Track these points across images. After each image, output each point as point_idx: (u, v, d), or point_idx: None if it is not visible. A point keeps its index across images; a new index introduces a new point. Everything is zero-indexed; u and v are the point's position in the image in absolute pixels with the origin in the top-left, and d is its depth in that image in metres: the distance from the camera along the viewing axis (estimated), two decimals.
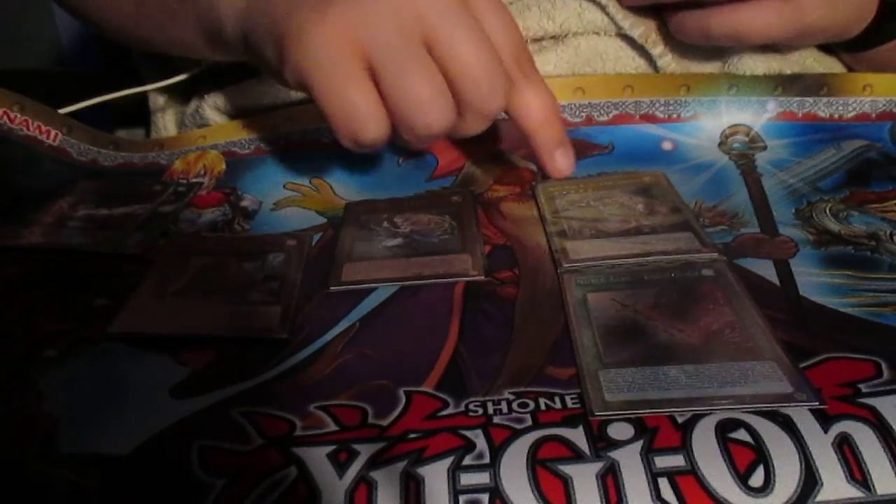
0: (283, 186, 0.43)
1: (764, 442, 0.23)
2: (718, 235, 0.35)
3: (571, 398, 0.26)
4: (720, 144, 0.42)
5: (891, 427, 0.23)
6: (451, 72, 0.31)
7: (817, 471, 0.22)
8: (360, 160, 0.43)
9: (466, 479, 0.23)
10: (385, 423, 0.25)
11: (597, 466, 0.23)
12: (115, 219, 0.40)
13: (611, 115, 0.43)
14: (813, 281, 0.31)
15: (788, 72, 0.43)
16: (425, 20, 0.31)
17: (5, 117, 0.45)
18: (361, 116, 0.31)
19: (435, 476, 0.23)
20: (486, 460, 0.23)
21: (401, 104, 0.31)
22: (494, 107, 0.32)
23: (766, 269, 0.32)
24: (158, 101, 0.54)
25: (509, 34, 0.33)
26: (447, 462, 0.23)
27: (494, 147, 0.43)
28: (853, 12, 0.41)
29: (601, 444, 0.24)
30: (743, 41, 0.40)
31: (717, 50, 0.43)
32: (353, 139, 0.32)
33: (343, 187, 0.42)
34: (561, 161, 0.35)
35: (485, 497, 0.22)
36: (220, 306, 0.33)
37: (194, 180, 0.44)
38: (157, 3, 0.43)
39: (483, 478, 0.23)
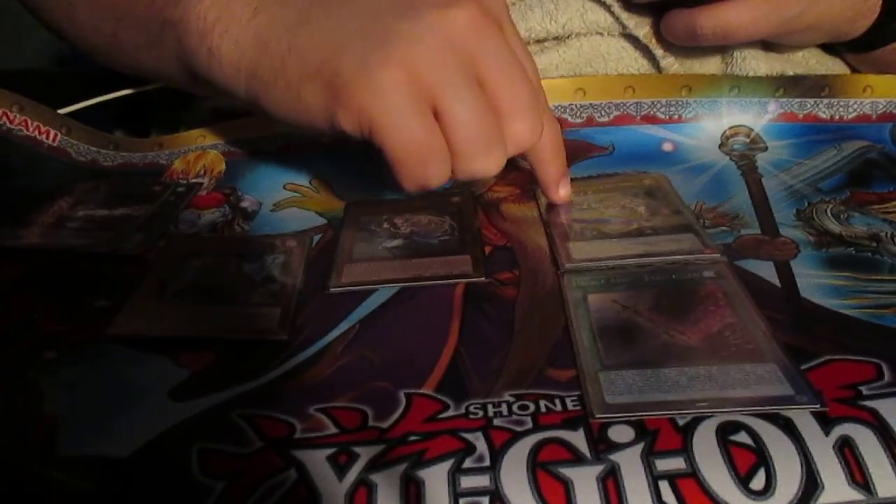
0: (283, 187, 0.43)
1: (765, 444, 0.23)
2: (719, 236, 0.35)
3: (572, 400, 0.26)
4: (721, 145, 0.42)
5: (892, 429, 0.23)
6: (503, 107, 0.31)
7: (818, 473, 0.22)
8: (360, 161, 0.43)
9: (467, 481, 0.23)
10: (385, 425, 0.25)
11: (597, 469, 0.23)
12: (114, 219, 0.40)
13: (612, 116, 0.43)
14: (814, 282, 0.31)
15: (791, 73, 0.43)
16: (477, 58, 0.31)
17: (4, 118, 0.44)
18: (434, 160, 0.31)
19: (435, 479, 0.23)
20: (487, 463, 0.23)
21: (467, 146, 0.31)
22: (537, 138, 0.33)
23: (766, 271, 0.32)
24: (157, 101, 0.54)
25: (533, 67, 0.34)
26: (447, 465, 0.23)
27: None
28: (846, 10, 0.41)
29: (601, 446, 0.23)
30: (730, 38, 0.40)
31: (719, 51, 0.43)
32: (422, 182, 0.31)
33: (343, 188, 0.42)
34: (563, 192, 0.38)
35: (485, 500, 0.22)
36: (220, 308, 0.33)
37: (194, 181, 0.44)
38: (136, 24, 0.40)
39: (483, 480, 0.23)
